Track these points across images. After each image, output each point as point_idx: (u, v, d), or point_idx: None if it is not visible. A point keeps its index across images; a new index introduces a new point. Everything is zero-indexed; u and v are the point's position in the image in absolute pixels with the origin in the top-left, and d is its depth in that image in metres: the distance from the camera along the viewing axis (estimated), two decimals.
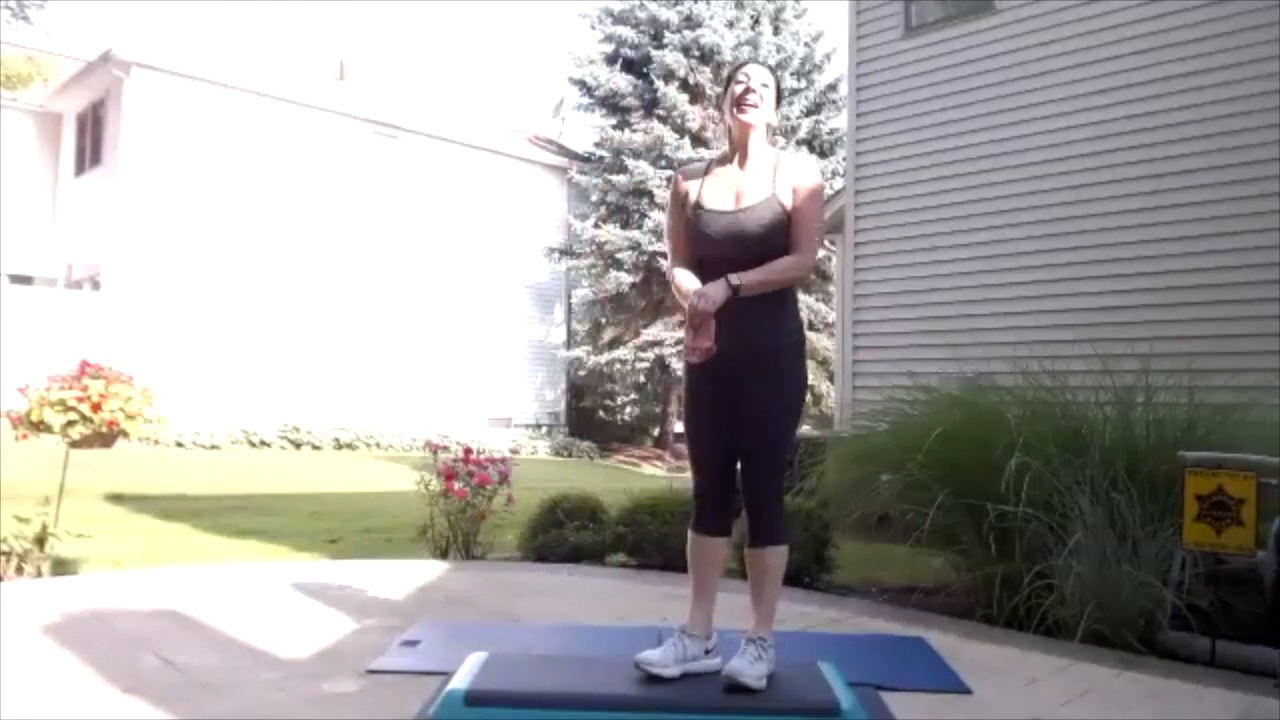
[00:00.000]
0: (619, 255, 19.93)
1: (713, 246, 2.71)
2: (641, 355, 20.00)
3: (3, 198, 17.34)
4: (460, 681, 2.48)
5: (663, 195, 18.58)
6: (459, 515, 5.26)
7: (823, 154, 21.05)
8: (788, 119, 20.33)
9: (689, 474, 2.88)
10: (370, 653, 3.26)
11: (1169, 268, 6.53)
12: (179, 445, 14.63)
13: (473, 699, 2.40)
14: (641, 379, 21.18)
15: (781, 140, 19.36)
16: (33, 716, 2.66)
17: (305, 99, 18.37)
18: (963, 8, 7.87)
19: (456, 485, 5.17)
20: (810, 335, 17.53)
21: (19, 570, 4.47)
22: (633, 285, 20.10)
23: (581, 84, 21.66)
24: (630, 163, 19.98)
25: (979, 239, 7.51)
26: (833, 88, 21.41)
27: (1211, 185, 6.37)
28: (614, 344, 20.96)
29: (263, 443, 16.01)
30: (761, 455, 2.72)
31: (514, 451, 5.91)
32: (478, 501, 5.24)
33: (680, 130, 20.03)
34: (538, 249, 21.26)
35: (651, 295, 20.38)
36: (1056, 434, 4.07)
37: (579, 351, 21.33)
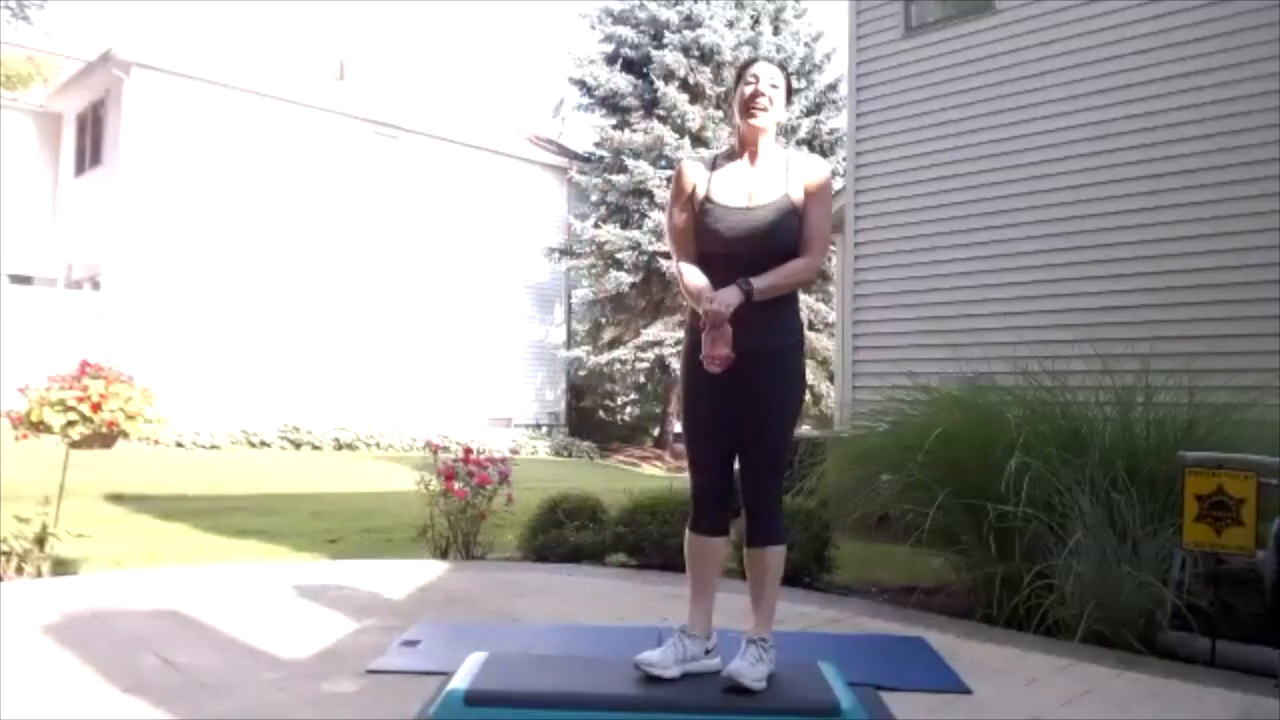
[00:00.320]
0: (619, 255, 19.93)
1: (720, 243, 2.66)
2: (641, 355, 20.00)
3: (3, 198, 17.34)
4: (460, 681, 2.48)
5: (663, 195, 18.58)
6: (459, 515, 5.25)
7: (823, 154, 21.02)
8: (788, 119, 20.32)
9: (688, 474, 2.87)
10: (370, 653, 3.26)
11: (1168, 268, 6.52)
12: (179, 445, 14.62)
13: (473, 699, 2.40)
14: (641, 379, 21.17)
15: (782, 140, 19.34)
16: (33, 716, 2.66)
17: (305, 99, 18.37)
18: (963, 8, 7.87)
19: (456, 485, 5.17)
20: (810, 335, 17.55)
21: (19, 570, 4.47)
22: (633, 285, 20.09)
23: (581, 84, 21.66)
24: (630, 163, 19.98)
25: (979, 239, 7.51)
26: (833, 88, 21.40)
27: (1211, 185, 6.37)
28: (614, 344, 20.96)
29: (263, 443, 16.01)
30: (761, 455, 2.71)
31: (514, 451, 5.90)
32: (478, 501, 5.24)
33: (680, 130, 20.03)
34: (538, 249, 21.26)
35: (651, 295, 20.38)
36: (1056, 434, 4.07)
37: (579, 351, 21.33)
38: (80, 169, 18.12)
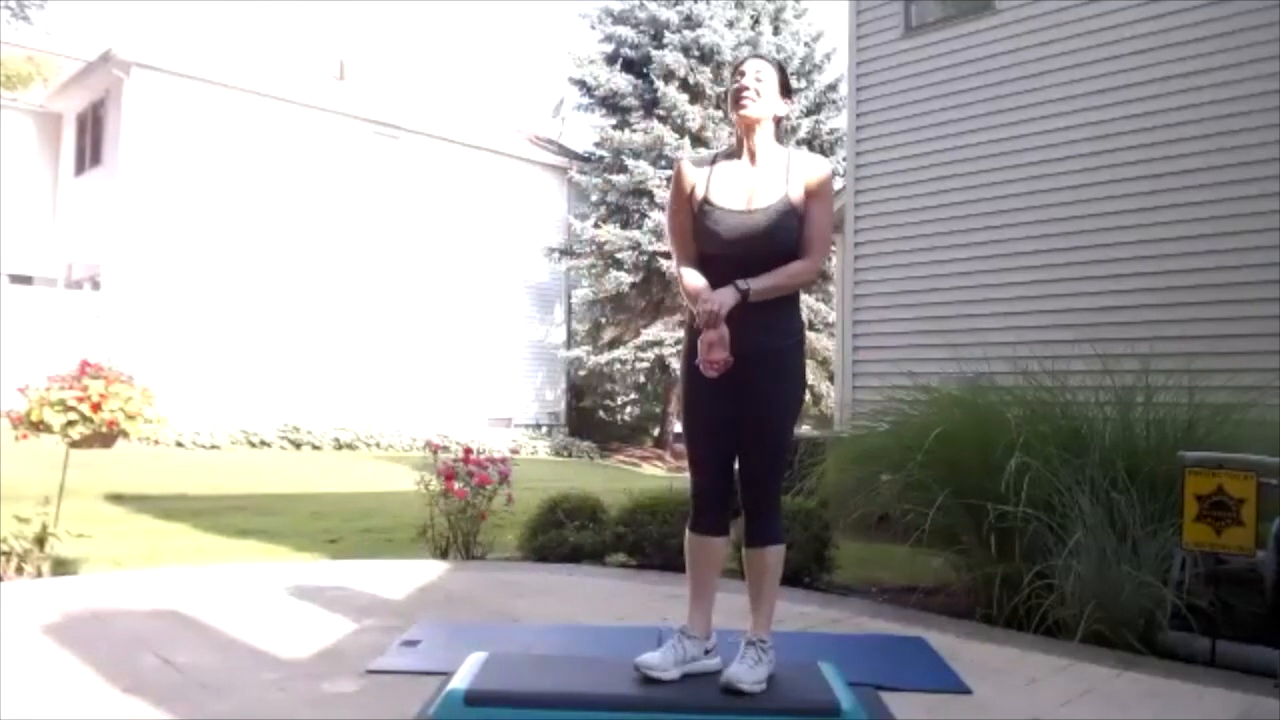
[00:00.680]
0: (619, 255, 19.93)
1: (720, 244, 2.64)
2: (641, 355, 20.00)
3: (3, 198, 17.35)
4: (460, 681, 2.48)
5: (663, 195, 18.58)
6: (459, 515, 5.26)
7: (823, 154, 21.02)
8: (788, 119, 20.29)
9: (688, 474, 2.87)
10: (370, 653, 3.26)
11: (1168, 268, 6.53)
12: (179, 445, 14.63)
13: (473, 699, 2.39)
14: (641, 379, 21.17)
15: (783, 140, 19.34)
16: (33, 716, 2.66)
17: (305, 99, 18.37)
18: (962, 8, 7.88)
19: (456, 485, 5.17)
20: (810, 335, 17.54)
21: (19, 570, 4.47)
22: (633, 285, 20.10)
23: (581, 84, 21.65)
24: (630, 163, 19.99)
25: (978, 239, 7.51)
26: (833, 88, 21.40)
27: (1211, 185, 6.37)
28: (614, 344, 20.96)
29: (263, 443, 16.02)
30: (761, 455, 2.70)
31: (514, 451, 5.90)
32: (478, 501, 5.24)
33: (680, 130, 20.04)
34: (538, 249, 21.26)
35: (651, 295, 20.38)
36: (1056, 434, 4.07)
37: (579, 351, 21.33)
38: (80, 169, 18.12)
